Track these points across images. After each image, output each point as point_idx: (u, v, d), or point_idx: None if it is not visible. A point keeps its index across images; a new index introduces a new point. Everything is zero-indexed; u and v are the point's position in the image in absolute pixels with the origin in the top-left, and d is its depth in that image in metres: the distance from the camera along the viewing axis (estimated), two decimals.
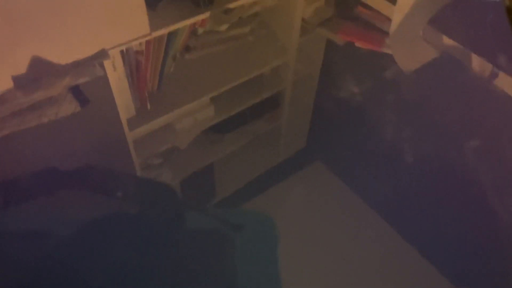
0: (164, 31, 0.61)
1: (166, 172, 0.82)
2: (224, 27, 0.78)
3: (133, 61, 0.63)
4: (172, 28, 0.61)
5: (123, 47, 0.57)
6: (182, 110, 0.73)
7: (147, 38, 0.58)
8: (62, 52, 0.49)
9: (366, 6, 0.72)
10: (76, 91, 0.52)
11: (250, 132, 0.93)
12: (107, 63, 0.56)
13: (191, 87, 0.75)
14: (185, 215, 0.58)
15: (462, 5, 0.61)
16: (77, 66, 0.50)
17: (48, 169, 0.53)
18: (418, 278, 0.91)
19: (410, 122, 0.81)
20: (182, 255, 0.53)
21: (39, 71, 0.47)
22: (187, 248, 0.54)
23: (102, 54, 0.53)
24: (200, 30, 0.76)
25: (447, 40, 0.64)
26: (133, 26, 0.55)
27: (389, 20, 0.65)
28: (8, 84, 0.46)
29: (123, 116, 0.64)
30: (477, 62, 0.62)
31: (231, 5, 0.67)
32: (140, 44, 0.62)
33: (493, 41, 0.59)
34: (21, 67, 0.46)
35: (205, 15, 0.64)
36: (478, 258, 0.82)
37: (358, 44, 0.74)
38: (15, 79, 0.46)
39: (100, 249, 0.50)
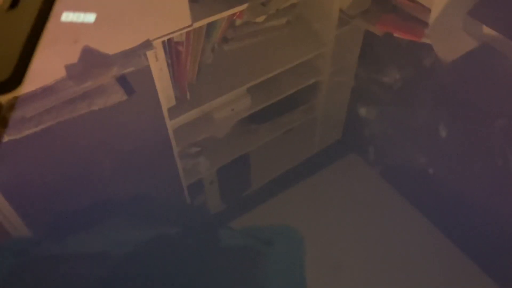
0: (204, 22, 0.62)
1: (203, 161, 0.84)
2: (261, 18, 0.79)
3: (174, 52, 0.65)
4: (212, 19, 0.63)
5: (165, 38, 0.58)
6: (220, 100, 0.75)
7: (188, 29, 0.59)
8: (111, 42, 0.51)
9: None
10: (122, 81, 0.55)
11: (285, 122, 0.93)
12: (150, 54, 0.57)
13: (229, 77, 0.76)
14: (219, 234, 0.66)
15: None
16: (124, 56, 0.52)
17: (102, 201, 0.64)
18: (460, 277, 0.86)
19: (450, 112, 0.80)
20: (218, 271, 0.61)
21: (90, 62, 0.49)
22: (222, 265, 0.62)
23: (146, 45, 0.55)
24: (238, 22, 0.77)
25: (487, 30, 0.64)
26: (176, 17, 0.57)
27: (428, 10, 0.65)
28: (62, 74, 0.49)
29: (165, 105, 0.66)
30: None
31: None
32: (181, 35, 0.64)
33: None
34: (74, 58, 0.49)
35: (243, 6, 0.65)
36: None
37: (396, 34, 0.73)
38: (68, 69, 0.48)
39: (149, 267, 0.60)
